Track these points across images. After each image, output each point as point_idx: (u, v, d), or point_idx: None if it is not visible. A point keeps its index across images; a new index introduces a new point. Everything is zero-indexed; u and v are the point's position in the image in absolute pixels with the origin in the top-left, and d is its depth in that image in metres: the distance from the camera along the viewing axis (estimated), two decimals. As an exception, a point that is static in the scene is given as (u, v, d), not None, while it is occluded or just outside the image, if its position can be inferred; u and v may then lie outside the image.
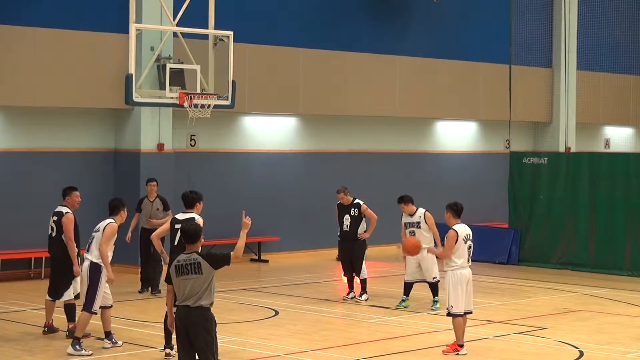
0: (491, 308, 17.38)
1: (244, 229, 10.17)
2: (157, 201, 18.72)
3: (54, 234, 14.38)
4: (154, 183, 18.88)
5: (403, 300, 17.21)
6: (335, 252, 21.99)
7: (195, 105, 16.91)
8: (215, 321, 9.92)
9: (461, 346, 13.47)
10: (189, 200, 12.83)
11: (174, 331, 10.23)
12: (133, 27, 16.45)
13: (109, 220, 13.62)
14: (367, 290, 17.99)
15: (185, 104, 16.83)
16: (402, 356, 13.42)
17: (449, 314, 13.50)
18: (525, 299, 18.55)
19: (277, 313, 16.53)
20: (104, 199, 20.85)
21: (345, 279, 18.32)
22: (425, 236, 16.88)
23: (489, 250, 23.26)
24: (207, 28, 17.42)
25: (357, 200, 18.03)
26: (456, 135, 28.25)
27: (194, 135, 22.69)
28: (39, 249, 20.01)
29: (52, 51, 20.13)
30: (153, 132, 21.37)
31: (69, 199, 14.44)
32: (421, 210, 17.02)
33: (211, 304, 9.85)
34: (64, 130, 21.11)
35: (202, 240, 10.16)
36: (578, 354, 13.69)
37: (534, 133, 29.99)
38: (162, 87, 17.81)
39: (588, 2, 29.14)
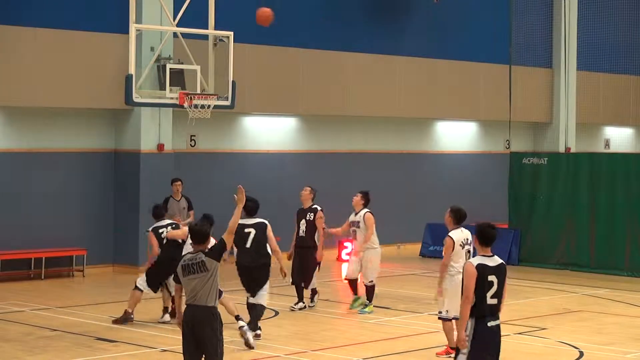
0: (491, 308, 17.34)
1: (239, 204, 10.04)
2: (183, 200, 19.88)
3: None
4: (179, 182, 20.02)
5: (355, 300, 16.62)
6: (335, 252, 22.05)
7: (195, 106, 16.91)
8: (221, 321, 9.89)
9: (454, 349, 13.42)
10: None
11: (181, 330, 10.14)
12: (133, 27, 16.46)
13: None
14: (315, 299, 17.10)
15: (185, 105, 16.83)
16: (402, 356, 13.42)
17: (440, 318, 13.45)
18: (525, 299, 18.53)
19: (277, 313, 16.53)
20: (103, 200, 21.03)
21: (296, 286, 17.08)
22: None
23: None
24: (207, 28, 17.42)
25: (315, 205, 17.15)
26: (456, 136, 28.22)
27: (194, 136, 22.67)
28: (39, 249, 20.02)
29: (52, 51, 20.12)
30: (153, 133, 21.36)
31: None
32: (363, 212, 16.46)
33: (217, 299, 9.81)
34: (64, 130, 21.08)
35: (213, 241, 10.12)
36: (578, 354, 13.69)
37: (534, 133, 29.96)
38: (162, 87, 17.80)
39: (588, 2, 29.12)
